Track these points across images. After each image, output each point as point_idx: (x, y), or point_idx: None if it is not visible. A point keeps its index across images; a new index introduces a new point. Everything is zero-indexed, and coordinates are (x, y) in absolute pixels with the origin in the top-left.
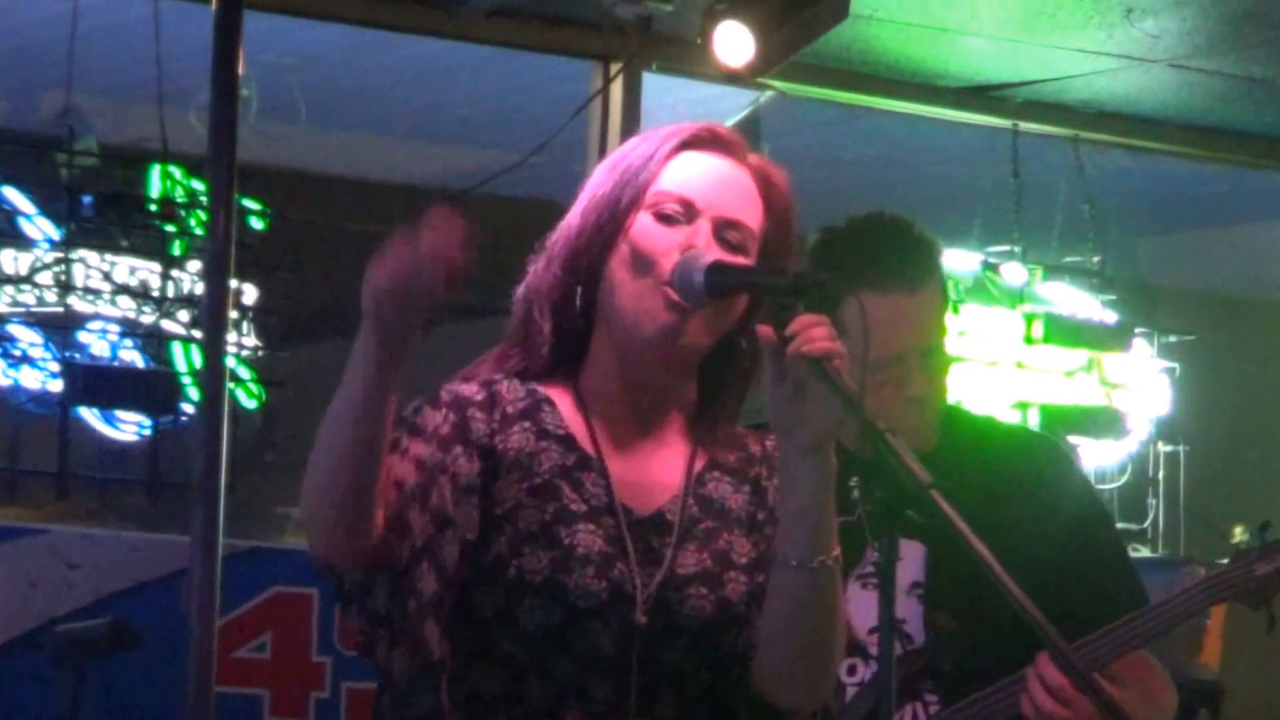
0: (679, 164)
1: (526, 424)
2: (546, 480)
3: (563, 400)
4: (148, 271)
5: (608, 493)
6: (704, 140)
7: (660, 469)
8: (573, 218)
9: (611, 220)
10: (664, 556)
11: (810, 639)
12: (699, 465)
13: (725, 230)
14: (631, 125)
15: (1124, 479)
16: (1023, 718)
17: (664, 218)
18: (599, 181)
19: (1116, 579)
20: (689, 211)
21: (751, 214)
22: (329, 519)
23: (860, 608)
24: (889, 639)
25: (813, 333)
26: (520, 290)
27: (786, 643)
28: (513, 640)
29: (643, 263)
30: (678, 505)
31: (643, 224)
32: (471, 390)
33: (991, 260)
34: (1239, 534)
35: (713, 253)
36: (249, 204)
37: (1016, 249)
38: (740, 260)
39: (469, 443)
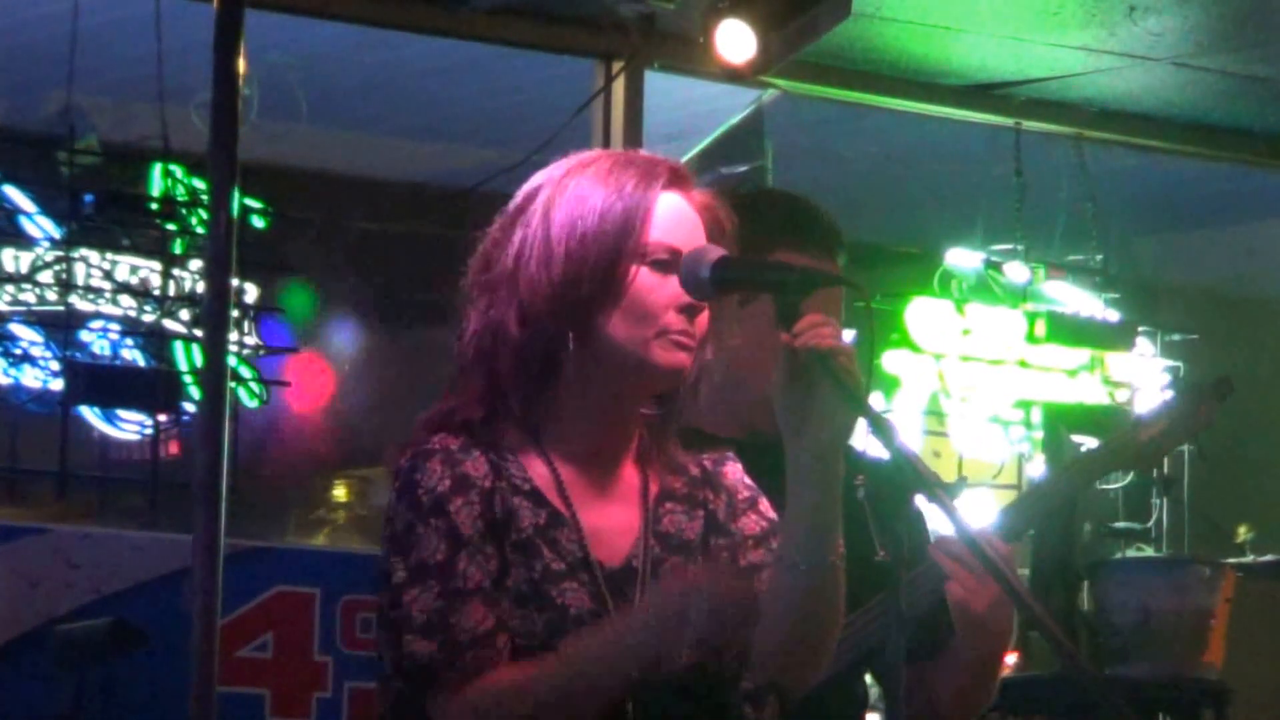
0: (659, 212)
1: (501, 484)
2: (528, 538)
3: (521, 448)
4: (149, 270)
5: (581, 547)
6: (673, 182)
7: (621, 509)
8: (553, 257)
9: (607, 272)
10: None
11: (813, 637)
12: (652, 496)
13: None
14: (634, 124)
15: (1128, 479)
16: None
17: (658, 265)
18: (572, 221)
19: None
20: (674, 258)
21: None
22: None
23: None
24: (899, 637)
25: (821, 330)
26: (477, 337)
27: (789, 640)
28: None
29: (646, 317)
30: (640, 549)
31: (643, 278)
32: (445, 486)
33: (994, 259)
34: (1244, 533)
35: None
36: (250, 203)
37: (1019, 247)
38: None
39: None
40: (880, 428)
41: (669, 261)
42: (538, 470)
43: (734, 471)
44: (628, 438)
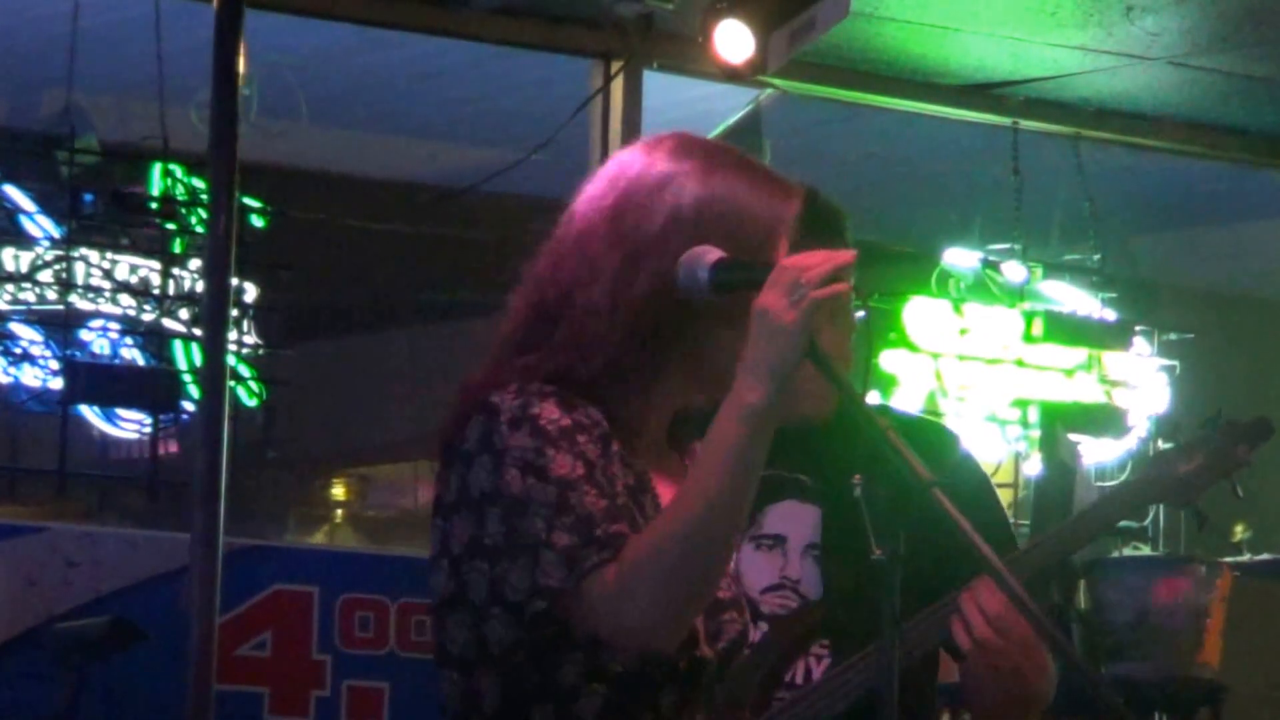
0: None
1: (609, 440)
2: (624, 502)
3: (602, 420)
4: (148, 269)
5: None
6: (799, 206)
7: (675, 487)
8: (668, 249)
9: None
10: None
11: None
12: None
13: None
14: (632, 124)
15: (1124, 477)
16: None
17: None
18: (695, 222)
19: (1002, 549)
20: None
21: None
22: (690, 608)
23: (754, 567)
24: (894, 637)
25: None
26: (576, 278)
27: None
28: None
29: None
30: None
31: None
32: (568, 421)
33: (992, 258)
34: (1240, 532)
35: None
36: (250, 202)
37: (1017, 247)
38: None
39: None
40: (875, 428)
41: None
42: (618, 444)
43: None
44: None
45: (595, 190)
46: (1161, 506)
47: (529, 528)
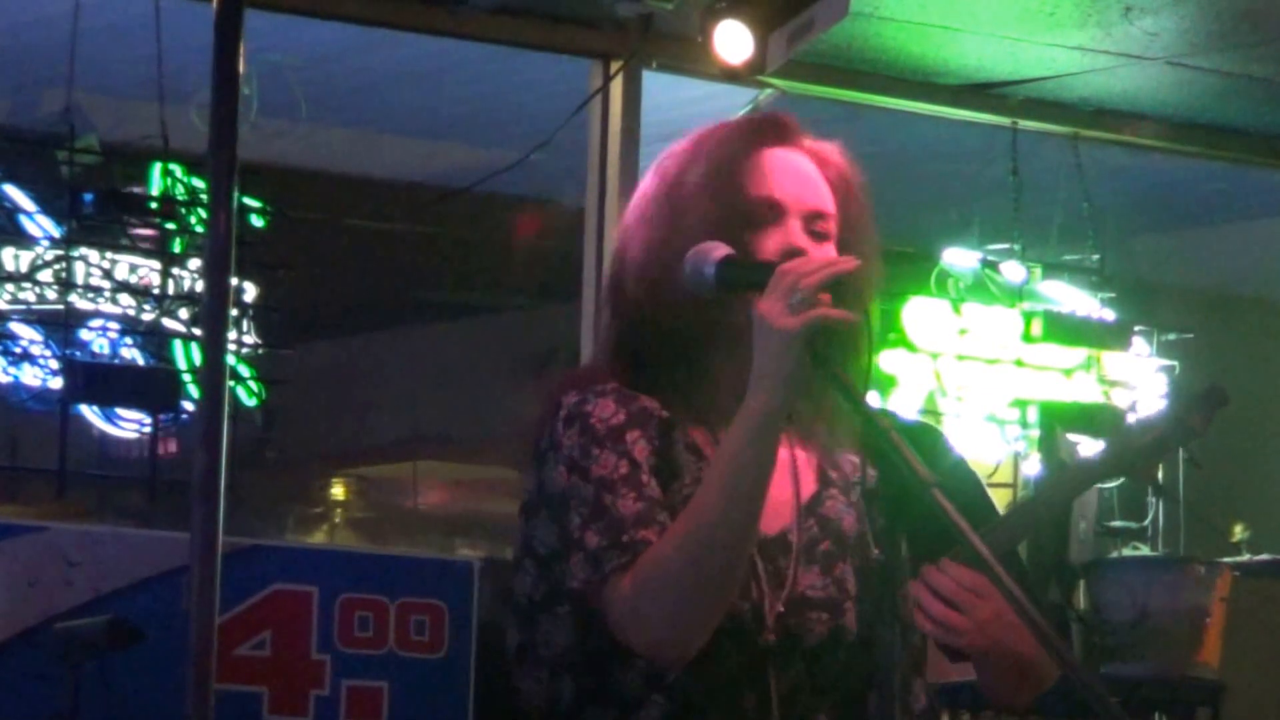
0: (755, 167)
1: (674, 429)
2: (691, 491)
3: (677, 411)
4: (148, 269)
5: None
6: (771, 137)
7: (774, 480)
8: (662, 226)
9: (698, 236)
10: (786, 577)
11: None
12: (802, 472)
13: (814, 223)
14: (631, 124)
15: (1123, 478)
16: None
17: (756, 226)
18: (670, 197)
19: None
20: (778, 212)
21: (826, 199)
22: (699, 620)
23: None
24: (895, 637)
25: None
26: (634, 266)
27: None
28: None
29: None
30: (795, 524)
31: (736, 236)
32: (621, 418)
33: (991, 258)
34: (1239, 532)
35: (802, 241)
36: (250, 202)
37: (1016, 247)
38: (828, 248)
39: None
40: (879, 429)
41: (769, 218)
42: (697, 432)
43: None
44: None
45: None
46: (1160, 506)
47: (570, 525)
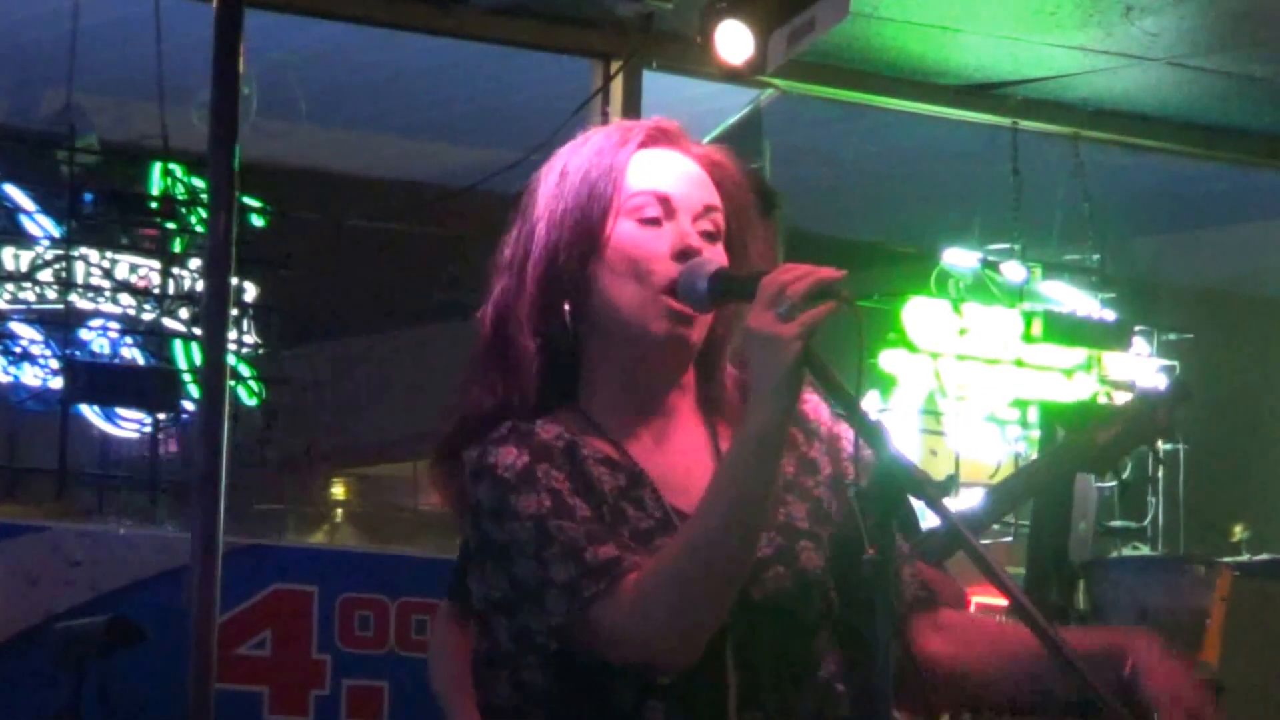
0: (640, 166)
1: (579, 448)
2: (613, 503)
3: (577, 424)
4: (148, 269)
5: (660, 505)
6: (655, 138)
7: (693, 463)
8: (538, 234)
9: (587, 232)
10: None
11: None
12: (723, 445)
13: (701, 221)
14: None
15: (1124, 476)
16: None
17: (646, 221)
18: (556, 194)
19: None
20: (667, 209)
21: (714, 199)
22: (705, 628)
23: None
24: (886, 642)
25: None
26: (489, 313)
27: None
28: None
29: (638, 270)
30: None
31: (627, 230)
32: (524, 460)
33: (991, 258)
34: (1239, 532)
35: (695, 240)
36: (250, 201)
37: (1016, 247)
38: (717, 248)
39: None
40: (868, 429)
41: (659, 215)
42: (599, 442)
43: (814, 406)
44: (669, 399)
45: None
46: (1160, 505)
47: (521, 571)
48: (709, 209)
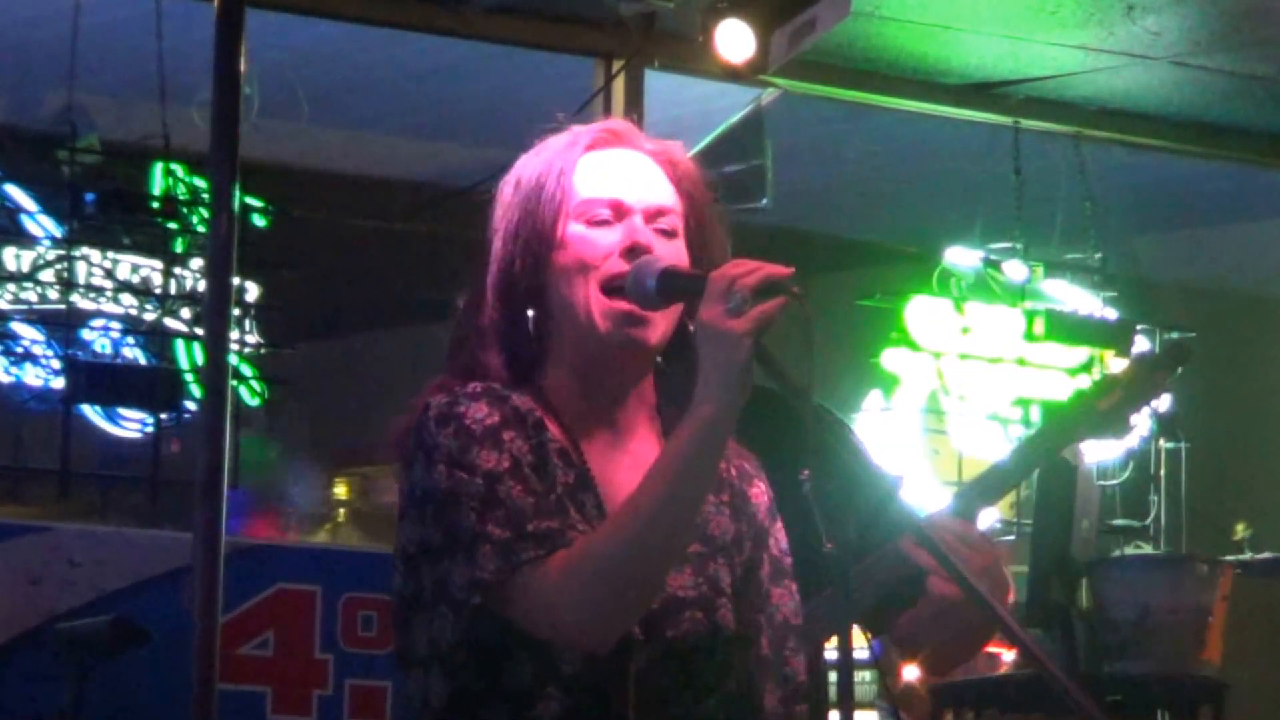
0: (590, 169)
1: (545, 430)
2: (559, 496)
3: (542, 409)
4: (150, 269)
5: (601, 513)
6: (604, 140)
7: (639, 477)
8: (495, 247)
9: (538, 240)
10: None
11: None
12: None
13: (656, 219)
14: (633, 123)
15: (1125, 475)
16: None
17: (597, 222)
18: (510, 204)
19: None
20: (618, 211)
21: (669, 197)
22: (624, 614)
23: None
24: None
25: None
26: (456, 331)
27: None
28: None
29: (586, 270)
30: None
31: (577, 232)
32: (495, 419)
33: (993, 257)
34: (1241, 530)
35: (646, 238)
36: (251, 201)
37: (1018, 246)
38: (676, 244)
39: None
40: (824, 424)
41: (609, 218)
42: (559, 432)
43: (761, 491)
44: (628, 410)
45: None
46: (1162, 504)
47: (462, 521)
48: (663, 208)
